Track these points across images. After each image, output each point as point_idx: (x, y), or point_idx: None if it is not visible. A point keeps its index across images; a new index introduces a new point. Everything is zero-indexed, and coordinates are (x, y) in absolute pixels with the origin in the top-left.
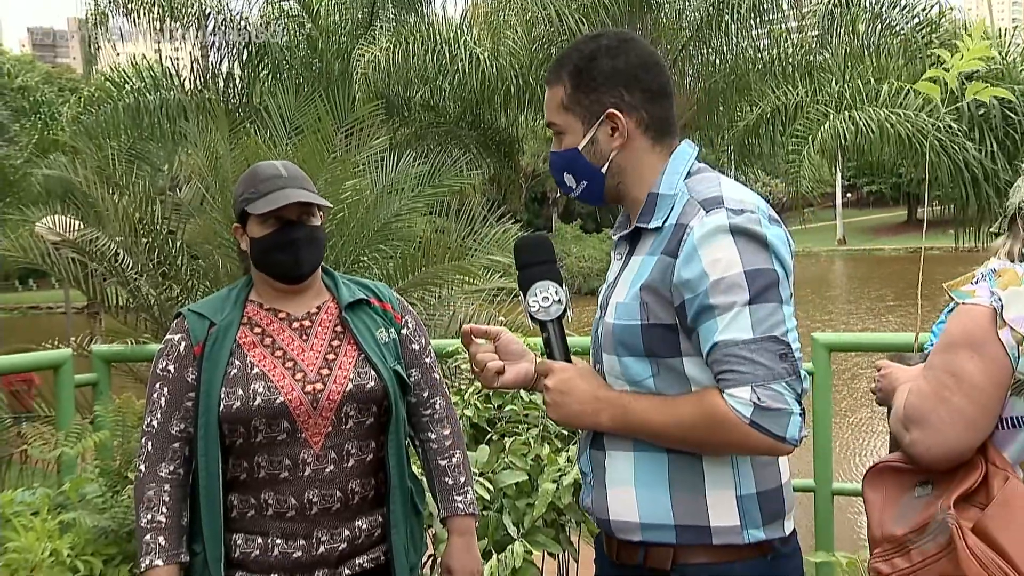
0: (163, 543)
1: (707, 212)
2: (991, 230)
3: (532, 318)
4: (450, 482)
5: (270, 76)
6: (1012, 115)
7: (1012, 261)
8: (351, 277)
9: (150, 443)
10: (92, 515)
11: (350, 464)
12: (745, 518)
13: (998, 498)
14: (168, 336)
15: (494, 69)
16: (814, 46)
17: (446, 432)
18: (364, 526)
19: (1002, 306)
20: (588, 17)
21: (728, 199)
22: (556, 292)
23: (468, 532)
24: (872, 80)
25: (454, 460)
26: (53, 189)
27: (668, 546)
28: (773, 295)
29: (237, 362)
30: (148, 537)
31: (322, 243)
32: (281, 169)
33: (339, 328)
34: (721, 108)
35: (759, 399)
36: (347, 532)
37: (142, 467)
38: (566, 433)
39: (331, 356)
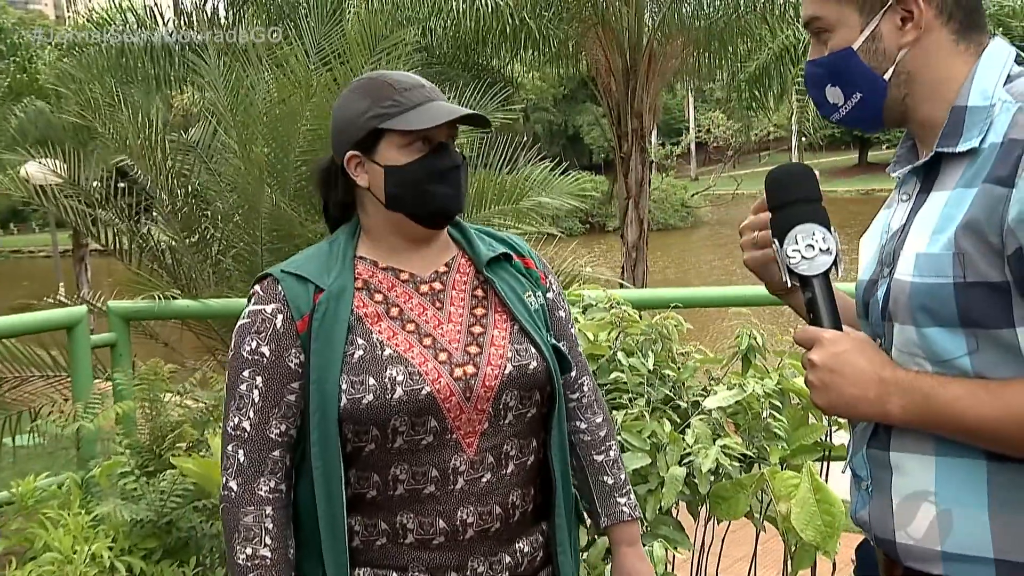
0: None
1: None
2: None
3: (791, 273)
4: (610, 481)
5: (255, 18)
6: None
7: None
8: (479, 227)
9: (241, 452)
10: (127, 505)
11: (509, 470)
12: None
13: None
14: (254, 306)
15: (489, 8)
16: None
17: (599, 420)
18: (526, 548)
19: None
20: None
21: None
22: (824, 238)
23: (637, 540)
24: None
25: (611, 454)
26: (29, 132)
27: None
28: None
29: (360, 341)
30: None
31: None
32: (420, 79)
33: (479, 292)
34: (717, 48)
35: None
36: (508, 559)
37: (233, 484)
38: (682, 405)
39: (477, 329)
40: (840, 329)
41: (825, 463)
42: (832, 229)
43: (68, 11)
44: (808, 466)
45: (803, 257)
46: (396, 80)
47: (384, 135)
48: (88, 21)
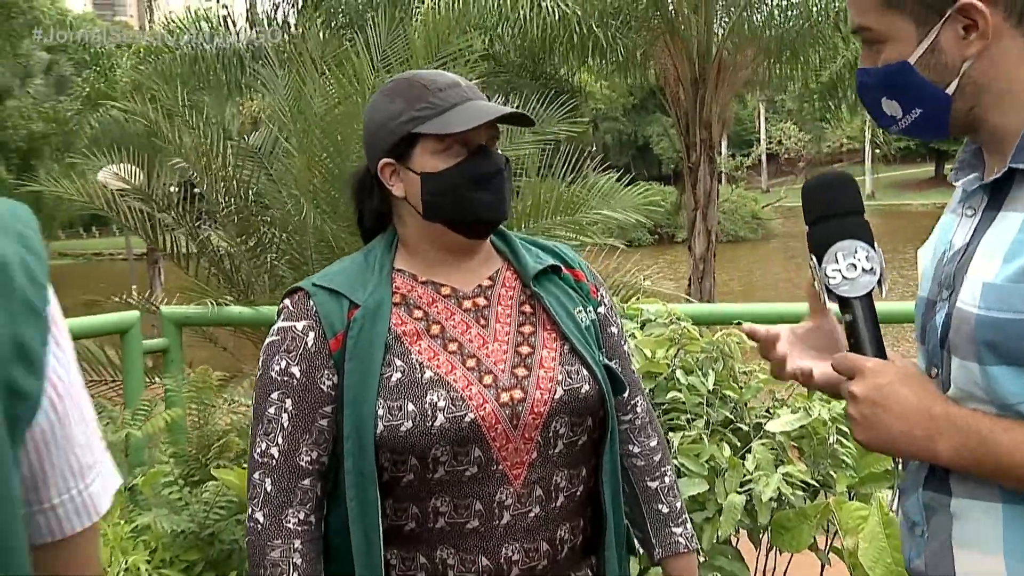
0: None
1: None
2: None
3: (830, 293)
4: (665, 510)
5: (324, 25)
6: None
7: None
8: (525, 236)
9: (269, 480)
10: (169, 516)
11: (559, 503)
12: None
13: None
14: (283, 323)
15: (556, 16)
16: None
17: (653, 443)
18: None
19: None
20: None
21: None
22: (867, 257)
23: (694, 572)
24: None
25: (666, 480)
26: (103, 139)
27: None
28: None
29: (398, 362)
30: None
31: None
32: (456, 77)
33: (527, 308)
34: (789, 58)
35: None
36: None
37: (259, 515)
38: (743, 428)
39: (525, 349)
40: (884, 356)
41: (894, 493)
42: (875, 245)
43: (148, 21)
44: (877, 497)
45: (844, 277)
46: (430, 80)
47: (419, 140)
48: (165, 29)
